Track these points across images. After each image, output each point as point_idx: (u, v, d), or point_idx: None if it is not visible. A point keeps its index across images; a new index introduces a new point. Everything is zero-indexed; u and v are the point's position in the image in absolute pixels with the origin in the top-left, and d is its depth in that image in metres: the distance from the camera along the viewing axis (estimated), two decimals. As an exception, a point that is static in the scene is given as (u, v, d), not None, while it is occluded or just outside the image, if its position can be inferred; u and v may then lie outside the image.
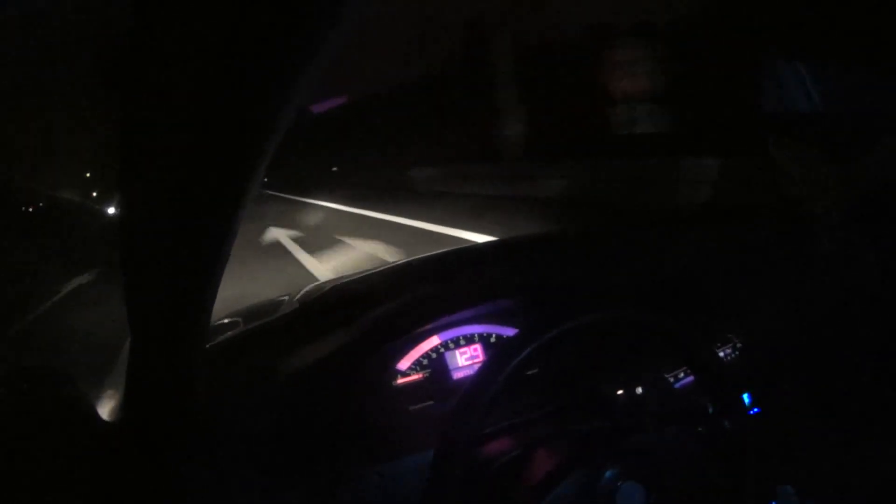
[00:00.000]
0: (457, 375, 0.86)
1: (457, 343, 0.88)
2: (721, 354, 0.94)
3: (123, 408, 0.60)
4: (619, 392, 0.82)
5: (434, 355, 0.86)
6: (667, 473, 0.69)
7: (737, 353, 0.95)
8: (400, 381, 0.83)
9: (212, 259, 0.43)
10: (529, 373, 0.87)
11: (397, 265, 1.00)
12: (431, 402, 0.82)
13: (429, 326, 0.85)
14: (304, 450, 0.72)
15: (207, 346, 0.79)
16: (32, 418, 0.58)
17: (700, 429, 0.73)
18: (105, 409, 0.64)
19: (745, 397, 0.85)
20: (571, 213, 5.65)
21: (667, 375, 0.88)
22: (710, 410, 0.73)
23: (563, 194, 6.48)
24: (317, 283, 1.01)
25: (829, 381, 0.94)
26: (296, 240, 6.41)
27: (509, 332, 0.89)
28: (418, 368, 0.84)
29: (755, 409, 0.86)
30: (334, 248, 5.59)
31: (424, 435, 0.72)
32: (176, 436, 0.58)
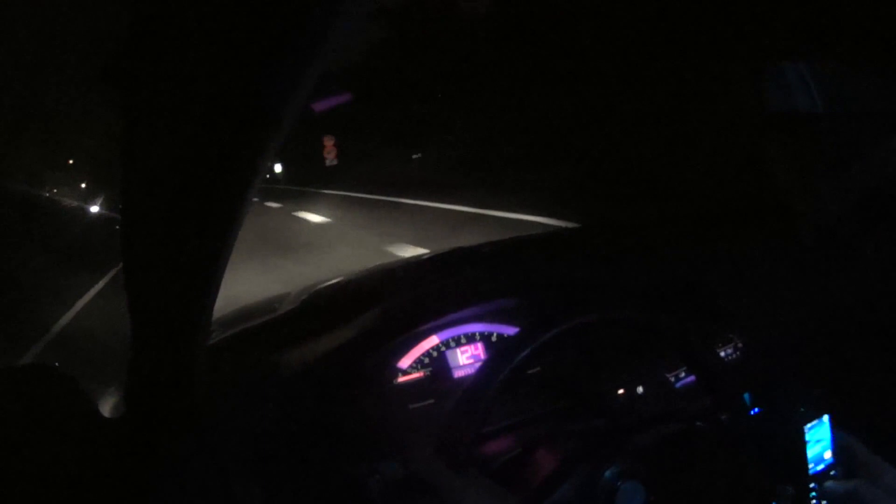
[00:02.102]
0: (458, 374, 0.86)
1: (458, 342, 0.88)
2: (722, 354, 0.94)
3: (124, 404, 0.60)
4: (620, 391, 0.83)
5: (435, 354, 0.86)
6: (667, 473, 0.69)
7: (737, 353, 0.96)
8: (401, 379, 0.83)
9: (213, 256, 0.43)
10: (530, 372, 0.87)
11: (399, 263, 1.00)
12: (432, 401, 0.82)
13: (430, 325, 0.85)
14: (303, 447, 0.72)
15: (208, 343, 0.79)
16: (33, 415, 0.58)
17: (699, 423, 0.72)
18: (106, 406, 0.64)
19: (746, 397, 0.85)
20: (572, 211, 5.65)
21: (667, 375, 0.89)
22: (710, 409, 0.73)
23: (561, 192, 6.48)
24: (318, 281, 1.01)
25: (832, 379, 0.94)
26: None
27: (510, 330, 0.89)
28: (419, 367, 0.85)
29: (755, 409, 0.87)
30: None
31: (425, 433, 0.72)
32: (176, 433, 0.58)
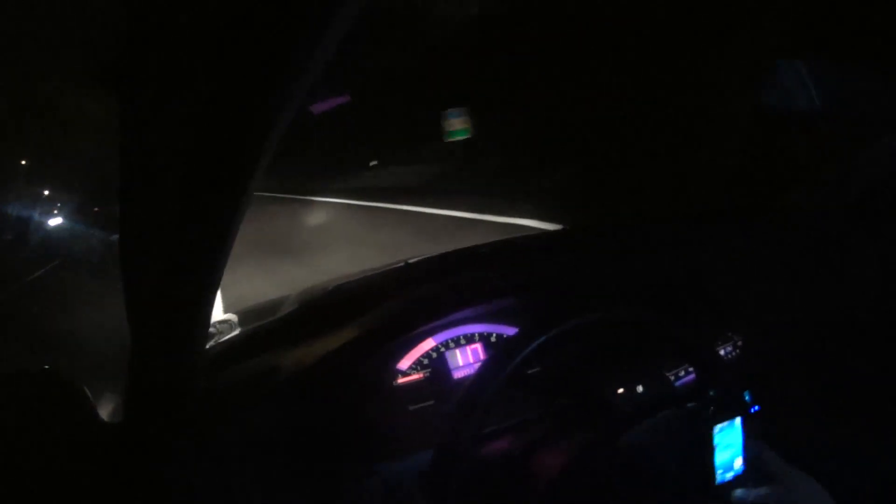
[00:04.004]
0: (457, 375, 0.86)
1: (457, 342, 0.88)
2: (722, 353, 0.94)
3: (124, 408, 0.60)
4: (620, 391, 0.82)
5: (434, 355, 0.86)
6: (664, 469, 0.69)
7: (737, 351, 0.96)
8: (400, 380, 0.83)
9: (211, 261, 0.43)
10: (530, 372, 0.87)
11: (398, 265, 1.00)
12: (432, 402, 0.82)
13: (429, 326, 0.85)
14: (303, 450, 0.72)
15: (207, 346, 0.79)
16: (33, 419, 0.58)
17: (690, 404, 0.70)
18: (106, 410, 0.64)
19: (746, 395, 0.85)
20: (571, 211, 5.64)
21: (667, 374, 0.89)
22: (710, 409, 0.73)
23: (563, 192, 6.47)
24: (317, 283, 1.01)
25: (830, 378, 0.94)
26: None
27: (510, 331, 0.89)
28: (418, 368, 0.84)
29: (755, 407, 0.87)
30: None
31: (424, 434, 0.72)
32: (175, 436, 0.58)
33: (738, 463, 0.68)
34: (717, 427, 0.66)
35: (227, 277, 0.46)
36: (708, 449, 0.66)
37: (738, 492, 0.67)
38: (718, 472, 0.67)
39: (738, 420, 0.67)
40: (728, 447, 0.67)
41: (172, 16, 0.29)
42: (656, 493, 0.65)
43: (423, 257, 1.01)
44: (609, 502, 0.64)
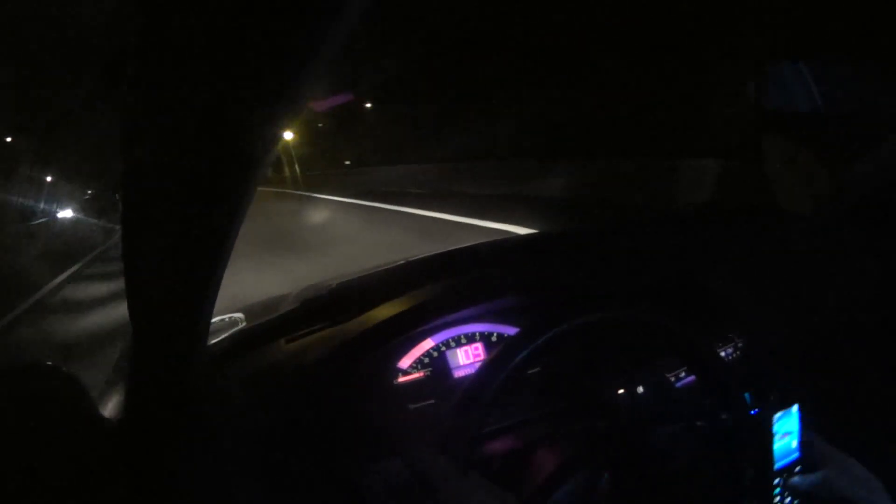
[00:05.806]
0: (458, 374, 0.86)
1: (458, 342, 0.88)
2: (722, 354, 0.94)
3: (124, 406, 0.60)
4: (620, 391, 0.83)
5: (435, 354, 0.86)
6: (666, 472, 0.69)
7: (738, 352, 0.96)
8: (401, 379, 0.83)
9: (213, 258, 0.43)
10: (530, 372, 0.87)
11: (398, 264, 1.00)
12: (432, 401, 0.83)
13: (430, 325, 0.85)
14: (303, 448, 0.72)
15: (208, 344, 0.79)
16: (33, 416, 0.58)
17: (699, 423, 0.72)
18: (106, 407, 0.64)
19: (746, 397, 0.85)
20: (572, 213, 5.64)
21: (668, 375, 0.89)
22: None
23: (563, 193, 6.47)
24: (318, 281, 1.02)
25: (831, 380, 0.94)
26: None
27: (511, 330, 0.89)
28: (419, 367, 0.85)
29: (756, 409, 0.87)
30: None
31: (425, 433, 0.73)
32: (176, 434, 0.58)
33: (794, 444, 0.70)
34: (776, 415, 0.69)
35: (228, 274, 0.46)
36: (767, 436, 0.68)
37: (795, 479, 0.69)
38: (777, 460, 0.69)
39: (795, 407, 0.70)
40: (786, 433, 0.70)
41: (176, 16, 0.29)
42: (693, 486, 0.67)
43: (424, 255, 1.01)
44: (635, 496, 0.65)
